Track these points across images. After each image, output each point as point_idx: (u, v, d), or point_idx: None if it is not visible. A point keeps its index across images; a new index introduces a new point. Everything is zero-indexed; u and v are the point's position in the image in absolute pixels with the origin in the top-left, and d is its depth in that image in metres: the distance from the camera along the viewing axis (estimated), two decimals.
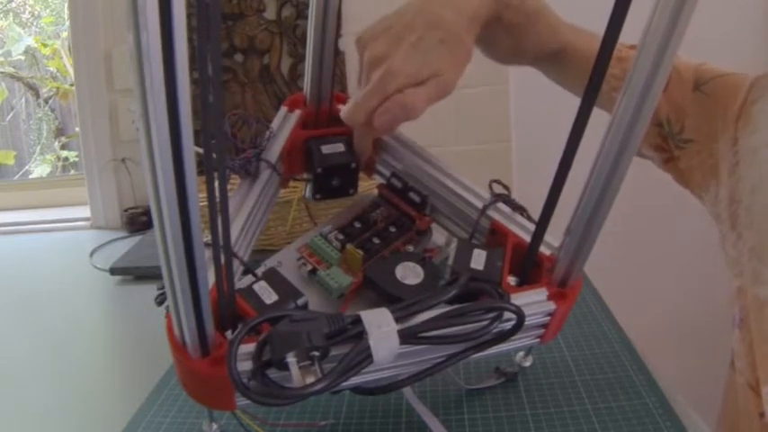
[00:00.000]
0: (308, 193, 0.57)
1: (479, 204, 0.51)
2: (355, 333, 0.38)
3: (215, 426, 0.48)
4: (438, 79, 0.47)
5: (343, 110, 0.50)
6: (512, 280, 0.46)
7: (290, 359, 0.36)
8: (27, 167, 2.12)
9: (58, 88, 2.09)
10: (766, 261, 0.53)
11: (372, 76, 0.49)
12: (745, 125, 0.56)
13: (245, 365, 0.37)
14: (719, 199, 0.59)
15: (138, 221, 1.25)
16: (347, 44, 1.26)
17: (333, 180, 0.54)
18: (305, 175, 0.57)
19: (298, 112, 0.57)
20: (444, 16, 0.50)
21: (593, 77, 0.35)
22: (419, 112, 0.47)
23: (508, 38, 0.59)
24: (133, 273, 0.97)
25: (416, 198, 0.54)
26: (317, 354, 0.36)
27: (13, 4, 2.12)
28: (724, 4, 1.15)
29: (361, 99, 0.48)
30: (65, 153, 2.12)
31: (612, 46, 0.34)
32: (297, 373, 0.35)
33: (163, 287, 0.35)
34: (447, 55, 0.49)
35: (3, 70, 2.07)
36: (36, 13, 2.15)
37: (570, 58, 0.64)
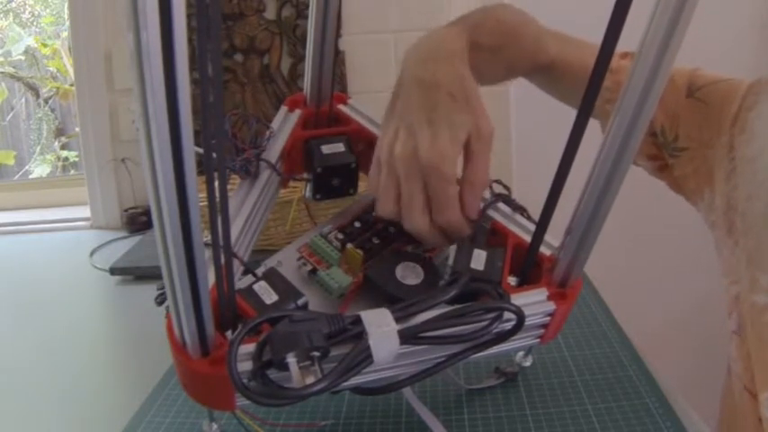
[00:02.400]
0: (308, 193, 0.57)
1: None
2: (355, 333, 0.38)
3: (215, 426, 0.48)
4: (478, 133, 0.46)
5: (429, 238, 0.47)
6: (512, 280, 0.46)
7: (290, 359, 0.36)
8: (27, 167, 2.12)
9: (58, 88, 2.08)
10: (763, 268, 0.52)
11: (412, 179, 0.45)
12: (740, 132, 0.56)
13: (245, 366, 0.37)
14: (715, 206, 0.59)
15: (138, 221, 1.25)
16: (347, 44, 1.26)
17: (333, 180, 0.54)
18: (305, 175, 0.57)
19: (298, 112, 0.57)
20: (429, 70, 0.48)
21: (588, 89, 0.35)
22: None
23: (493, 60, 0.58)
24: (133, 273, 0.97)
25: None
26: (317, 354, 0.36)
27: (13, 4, 2.12)
28: (722, 10, 1.15)
29: (446, 214, 0.46)
30: (65, 153, 2.12)
31: (609, 57, 0.34)
32: (297, 374, 0.35)
33: (163, 287, 0.35)
34: (464, 104, 0.47)
35: (3, 70, 2.07)
36: (36, 13, 2.15)
37: (561, 71, 0.63)
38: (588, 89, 0.35)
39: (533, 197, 0.49)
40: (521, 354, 0.56)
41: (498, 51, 0.57)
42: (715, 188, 0.58)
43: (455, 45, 0.51)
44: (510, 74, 0.63)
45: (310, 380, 0.35)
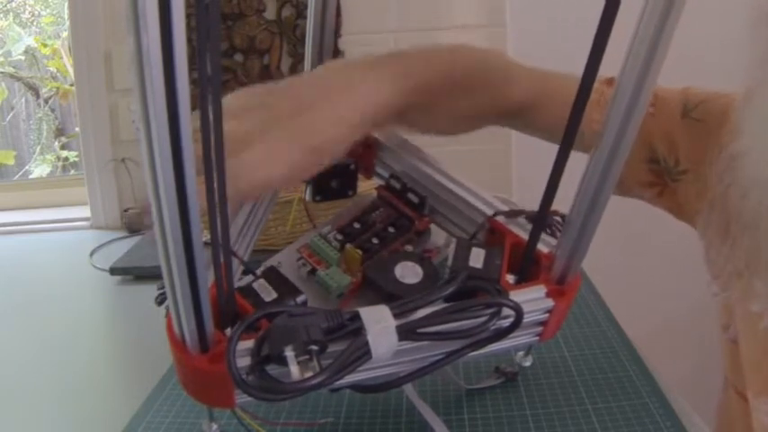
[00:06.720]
0: (307, 195, 0.57)
1: (478, 204, 0.51)
2: (353, 329, 0.38)
3: (215, 426, 0.48)
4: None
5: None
6: (510, 278, 0.46)
7: (288, 353, 0.35)
8: (27, 167, 2.12)
9: (58, 88, 2.09)
10: (758, 273, 0.52)
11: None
12: (729, 132, 0.55)
13: (243, 361, 0.37)
14: (710, 220, 0.58)
15: (138, 221, 1.25)
16: (347, 44, 1.26)
17: (332, 181, 0.54)
18: None
19: None
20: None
21: (583, 83, 0.35)
22: None
23: (450, 107, 0.55)
24: (133, 273, 0.97)
25: (415, 199, 0.54)
26: (315, 348, 0.36)
27: (13, 4, 2.12)
28: (712, 9, 1.15)
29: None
30: (65, 153, 2.12)
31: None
32: (295, 367, 0.35)
33: (163, 287, 0.35)
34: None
35: (3, 70, 2.07)
36: (36, 13, 2.15)
37: (537, 108, 0.60)
38: (583, 84, 0.35)
39: (533, 197, 0.49)
40: (521, 353, 0.56)
41: (456, 97, 0.54)
42: (710, 200, 0.58)
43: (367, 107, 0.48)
44: (477, 122, 0.60)
45: (308, 374, 0.35)
